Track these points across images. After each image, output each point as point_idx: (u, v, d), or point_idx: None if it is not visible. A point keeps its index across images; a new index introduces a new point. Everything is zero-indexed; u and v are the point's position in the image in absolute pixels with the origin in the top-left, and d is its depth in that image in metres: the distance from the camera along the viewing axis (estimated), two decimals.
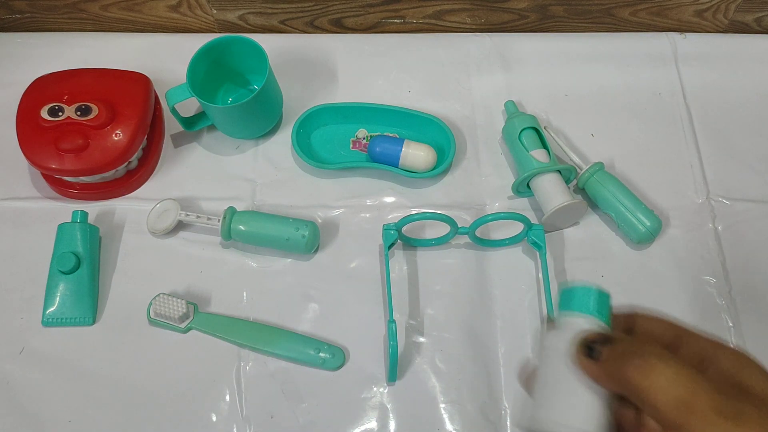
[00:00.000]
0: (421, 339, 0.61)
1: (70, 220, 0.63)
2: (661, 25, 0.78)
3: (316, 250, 0.65)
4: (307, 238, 0.61)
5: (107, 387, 0.59)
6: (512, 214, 0.60)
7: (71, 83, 0.66)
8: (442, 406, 0.58)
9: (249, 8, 0.76)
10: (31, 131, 0.63)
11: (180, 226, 0.65)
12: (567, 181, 0.65)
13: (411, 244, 0.65)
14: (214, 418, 0.58)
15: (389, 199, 0.67)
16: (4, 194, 0.68)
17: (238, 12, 0.77)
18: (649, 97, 0.73)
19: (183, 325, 0.60)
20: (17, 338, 0.61)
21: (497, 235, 0.64)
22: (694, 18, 0.76)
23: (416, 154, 0.66)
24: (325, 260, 0.64)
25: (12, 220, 0.67)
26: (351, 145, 0.70)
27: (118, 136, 0.64)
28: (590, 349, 0.31)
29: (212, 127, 0.71)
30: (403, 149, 0.66)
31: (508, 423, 0.57)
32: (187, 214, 0.64)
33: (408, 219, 0.60)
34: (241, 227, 0.62)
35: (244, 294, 0.63)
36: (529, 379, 0.35)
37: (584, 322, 0.33)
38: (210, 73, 0.67)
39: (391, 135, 0.70)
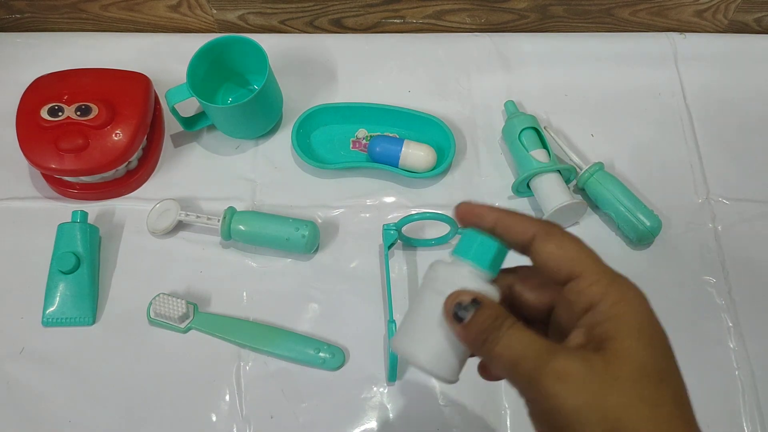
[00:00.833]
0: None
1: (70, 220, 0.63)
2: (661, 25, 0.78)
3: (316, 250, 0.65)
4: (307, 238, 0.61)
5: (107, 387, 0.59)
6: None
7: (71, 83, 0.66)
8: (441, 405, 0.58)
9: (249, 8, 0.76)
10: (31, 131, 0.63)
11: (180, 226, 0.65)
12: (567, 181, 0.65)
13: (411, 244, 0.65)
14: (214, 418, 0.58)
15: (389, 199, 0.67)
16: (4, 194, 0.68)
17: (238, 12, 0.77)
18: (649, 97, 0.73)
19: (183, 325, 0.60)
20: (17, 338, 0.61)
21: None
22: (694, 18, 0.76)
23: (416, 154, 0.66)
24: (325, 260, 0.64)
25: (12, 220, 0.67)
26: (351, 145, 0.70)
27: (118, 136, 0.64)
28: (460, 310, 0.32)
29: (212, 127, 0.71)
30: (403, 149, 0.66)
31: (508, 423, 0.57)
32: (187, 214, 0.64)
33: (408, 219, 0.60)
34: (241, 227, 0.62)
35: (244, 294, 0.63)
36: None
37: (469, 276, 0.33)
38: (210, 73, 0.67)
39: (391, 135, 0.70)
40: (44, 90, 0.66)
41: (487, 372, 0.37)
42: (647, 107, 0.73)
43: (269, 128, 0.71)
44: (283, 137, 0.71)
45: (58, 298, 0.61)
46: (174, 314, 0.59)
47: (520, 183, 0.65)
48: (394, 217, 0.66)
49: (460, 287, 0.33)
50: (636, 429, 0.28)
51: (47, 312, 0.61)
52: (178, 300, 0.60)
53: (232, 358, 0.60)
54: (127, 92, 0.66)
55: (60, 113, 0.63)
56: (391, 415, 0.58)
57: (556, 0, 0.74)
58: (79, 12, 0.77)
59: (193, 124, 0.70)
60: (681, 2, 0.74)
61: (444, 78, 0.74)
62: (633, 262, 0.64)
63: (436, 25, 0.78)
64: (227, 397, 0.58)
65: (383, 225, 0.61)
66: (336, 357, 0.59)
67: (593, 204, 0.66)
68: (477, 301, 0.32)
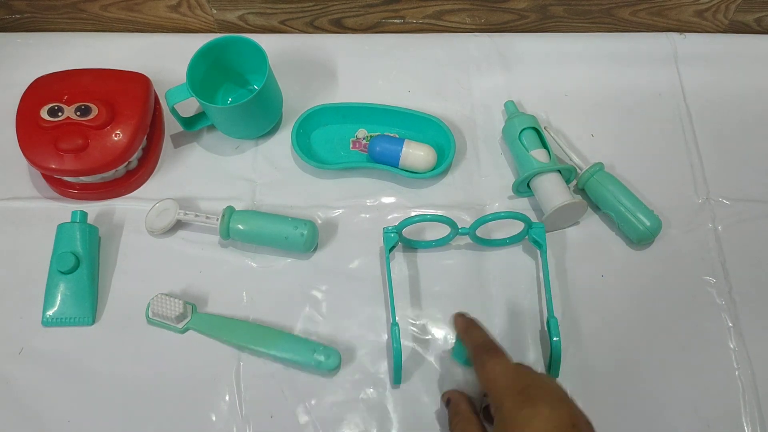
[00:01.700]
0: (422, 340, 0.60)
1: (69, 220, 0.63)
2: (661, 25, 0.78)
3: (315, 249, 0.65)
4: (306, 237, 0.61)
5: (107, 387, 0.59)
6: (513, 214, 0.60)
7: (71, 83, 0.66)
8: (442, 407, 0.58)
9: (249, 8, 0.76)
10: (31, 131, 0.63)
11: (178, 225, 0.65)
12: (567, 182, 0.65)
13: (411, 245, 0.64)
14: (214, 418, 0.58)
15: (389, 200, 0.67)
16: (4, 194, 0.68)
17: (238, 12, 0.77)
18: (649, 97, 0.73)
19: (180, 326, 0.60)
20: (17, 338, 0.61)
21: (498, 234, 0.64)
22: (694, 18, 0.76)
23: (416, 153, 0.66)
24: (325, 260, 0.64)
25: (12, 220, 0.67)
26: (351, 145, 0.70)
27: (118, 136, 0.64)
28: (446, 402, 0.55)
29: (212, 127, 0.71)
30: (403, 149, 0.66)
31: None
32: (186, 213, 0.64)
33: (408, 221, 0.60)
34: (240, 226, 0.62)
35: (244, 294, 0.63)
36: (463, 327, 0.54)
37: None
38: (210, 73, 0.67)
39: (391, 135, 0.70)
40: (44, 90, 0.66)
41: None
42: (647, 107, 0.73)
43: (269, 128, 0.71)
44: (283, 137, 0.71)
45: (57, 298, 0.61)
46: (171, 314, 0.59)
47: (521, 183, 0.65)
48: (395, 217, 0.66)
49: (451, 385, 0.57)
50: None
51: (47, 312, 0.61)
52: (176, 300, 0.60)
53: (232, 358, 0.60)
54: (127, 92, 0.66)
55: (60, 113, 0.63)
56: (391, 416, 0.57)
57: (556, 0, 0.74)
58: (79, 12, 0.77)
59: (193, 124, 0.70)
60: (681, 2, 0.74)
61: (444, 78, 0.74)
62: (633, 262, 0.64)
63: (436, 25, 0.78)
64: (227, 397, 0.58)
65: (383, 228, 0.61)
66: (331, 359, 0.58)
67: (593, 204, 0.66)
68: (449, 400, 0.54)
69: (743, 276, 0.63)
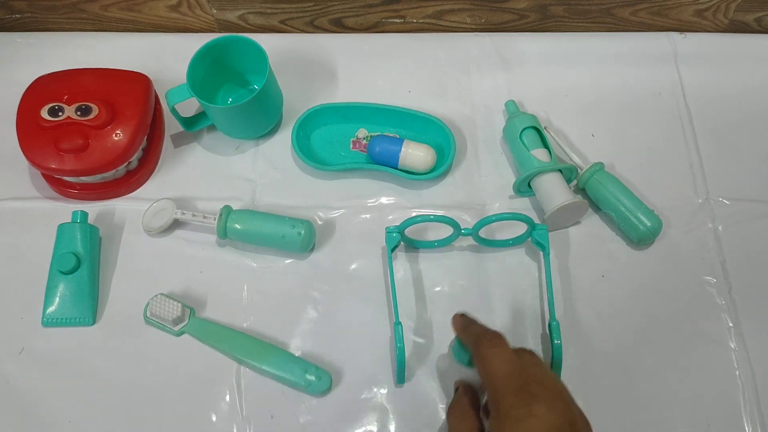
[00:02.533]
0: (423, 340, 0.61)
1: (70, 220, 0.63)
2: (661, 25, 0.78)
3: (312, 249, 0.65)
4: (303, 236, 0.61)
5: (107, 387, 0.59)
6: (516, 215, 0.60)
7: (71, 83, 0.66)
8: (442, 407, 0.58)
9: (249, 8, 0.76)
10: (31, 131, 0.63)
11: (176, 225, 0.65)
12: (567, 181, 0.65)
13: (413, 245, 0.64)
14: (214, 418, 0.58)
15: (390, 200, 0.67)
16: (4, 194, 0.68)
17: (238, 12, 0.77)
18: (649, 97, 0.73)
19: (176, 329, 0.60)
20: (17, 338, 0.61)
21: (501, 235, 0.64)
22: (694, 18, 0.76)
23: (416, 153, 0.66)
24: (325, 261, 0.64)
25: (12, 220, 0.67)
26: (351, 146, 0.70)
27: (118, 136, 0.64)
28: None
29: (212, 127, 0.71)
30: (402, 149, 0.66)
31: None
32: (183, 213, 0.64)
33: (411, 221, 0.60)
34: (237, 226, 0.62)
35: (244, 294, 0.63)
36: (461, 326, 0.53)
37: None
38: (210, 73, 0.67)
39: (391, 135, 0.70)
40: (44, 90, 0.66)
41: None
42: (647, 107, 0.73)
43: (269, 128, 0.71)
44: (283, 137, 0.71)
45: (58, 299, 0.61)
46: (169, 317, 0.59)
47: (522, 182, 0.65)
48: (395, 218, 0.66)
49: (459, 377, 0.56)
50: None
51: (47, 312, 0.61)
52: (175, 302, 0.60)
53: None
54: (127, 92, 0.66)
55: (60, 113, 0.63)
56: (391, 416, 0.58)
57: (556, 0, 0.74)
58: (79, 12, 0.77)
59: (193, 125, 0.70)
60: (681, 2, 0.74)
61: (444, 78, 0.74)
62: (633, 262, 0.64)
63: (436, 25, 0.78)
64: (227, 397, 0.58)
65: (386, 228, 0.61)
66: (322, 381, 0.57)
67: (594, 204, 0.66)
68: (456, 389, 0.55)
69: (743, 276, 0.63)
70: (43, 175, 0.67)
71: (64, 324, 0.61)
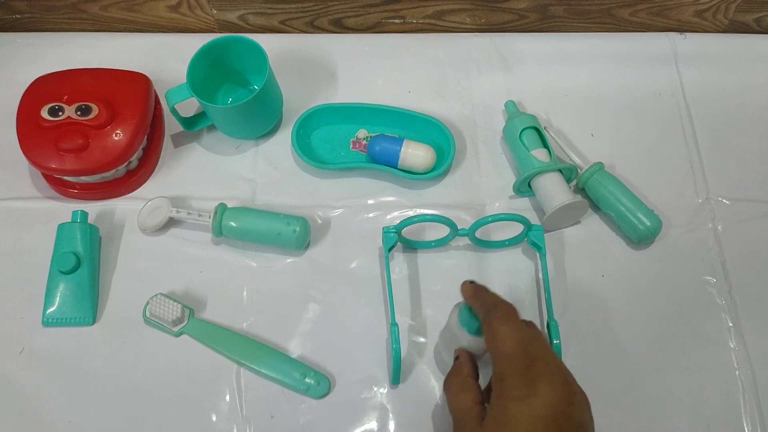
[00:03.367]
0: (422, 340, 0.61)
1: (70, 220, 0.63)
2: (661, 25, 0.78)
3: (308, 246, 0.64)
4: (299, 233, 0.61)
5: (107, 387, 0.59)
6: (512, 216, 0.60)
7: (71, 83, 0.66)
8: (442, 407, 0.58)
9: (249, 8, 0.76)
10: (31, 131, 0.63)
11: (171, 223, 0.65)
12: (567, 181, 0.65)
13: (411, 246, 0.64)
14: (214, 418, 0.58)
15: (389, 200, 0.67)
16: (4, 194, 0.68)
17: (238, 12, 0.77)
18: (649, 97, 0.73)
19: (176, 329, 0.60)
20: (17, 338, 0.61)
21: (497, 236, 0.64)
22: (694, 18, 0.77)
23: (415, 153, 0.66)
24: (325, 260, 0.64)
25: (12, 220, 0.67)
26: (351, 146, 0.70)
27: (118, 136, 0.64)
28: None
29: (212, 127, 0.71)
30: (402, 149, 0.66)
31: None
32: (178, 211, 0.64)
33: (408, 221, 0.60)
34: (232, 223, 0.62)
35: (244, 294, 0.63)
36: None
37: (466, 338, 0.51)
38: (210, 73, 0.67)
39: (391, 135, 0.70)
40: (44, 90, 0.66)
41: None
42: (647, 107, 0.73)
43: (269, 128, 0.71)
44: (283, 137, 0.71)
45: (58, 298, 0.61)
46: (168, 317, 0.59)
47: (522, 182, 0.65)
48: (395, 217, 0.66)
49: (459, 345, 0.53)
50: None
51: (47, 312, 0.61)
52: (175, 303, 0.60)
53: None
54: (127, 92, 0.66)
55: (60, 113, 0.63)
56: (391, 415, 0.58)
57: (556, 0, 0.74)
58: (79, 12, 0.77)
59: (193, 124, 0.70)
60: (681, 2, 0.74)
61: (444, 78, 0.74)
62: (633, 262, 0.64)
63: (436, 25, 0.78)
64: (227, 397, 0.58)
65: (383, 228, 0.61)
66: (321, 385, 0.57)
67: (593, 204, 0.66)
68: (457, 358, 0.52)
69: (743, 276, 0.63)
70: (43, 175, 0.67)
71: (64, 324, 0.61)
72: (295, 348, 0.60)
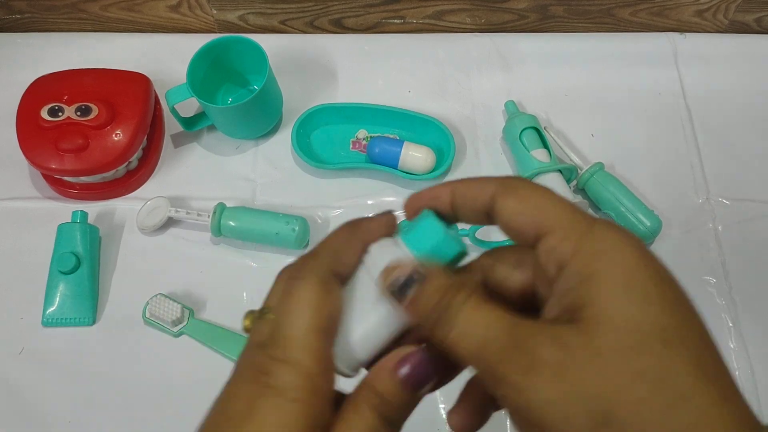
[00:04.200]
0: None
1: (70, 220, 0.63)
2: (661, 25, 0.78)
3: (307, 246, 0.64)
4: (297, 233, 0.61)
5: (107, 387, 0.59)
6: None
7: (71, 83, 0.66)
8: (441, 407, 0.58)
9: (249, 8, 0.76)
10: (31, 131, 0.63)
11: (171, 223, 0.65)
12: (567, 181, 0.65)
13: None
14: None
15: (389, 200, 0.67)
16: (4, 194, 0.68)
17: (238, 12, 0.77)
18: (649, 97, 0.73)
19: (175, 330, 0.60)
20: (17, 338, 0.61)
21: (497, 236, 0.64)
22: (694, 18, 0.76)
23: (415, 156, 0.66)
24: None
25: (12, 220, 0.67)
26: (351, 146, 0.70)
27: (118, 136, 0.64)
28: (396, 290, 0.27)
29: (212, 127, 0.71)
30: (402, 151, 0.66)
31: (508, 424, 0.57)
32: (177, 211, 0.64)
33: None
34: (231, 223, 0.62)
35: (245, 294, 0.63)
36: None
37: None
38: (210, 73, 0.67)
39: (391, 136, 0.70)
40: (44, 90, 0.66)
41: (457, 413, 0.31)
42: (647, 107, 0.73)
43: (269, 128, 0.71)
44: (283, 137, 0.71)
45: (58, 299, 0.61)
46: (168, 317, 0.59)
47: None
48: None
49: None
50: (634, 422, 0.21)
51: (47, 312, 0.61)
52: (175, 303, 0.60)
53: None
54: (127, 92, 0.66)
55: (60, 113, 0.63)
56: None
57: (556, 0, 0.74)
58: (79, 12, 0.77)
59: (193, 124, 0.70)
60: (681, 2, 0.74)
61: (444, 78, 0.74)
62: None
63: (436, 25, 0.78)
64: None
65: None
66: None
67: (593, 204, 0.66)
68: (420, 275, 0.26)
69: (743, 276, 0.63)
70: (43, 175, 0.67)
71: (64, 324, 0.61)
72: None
